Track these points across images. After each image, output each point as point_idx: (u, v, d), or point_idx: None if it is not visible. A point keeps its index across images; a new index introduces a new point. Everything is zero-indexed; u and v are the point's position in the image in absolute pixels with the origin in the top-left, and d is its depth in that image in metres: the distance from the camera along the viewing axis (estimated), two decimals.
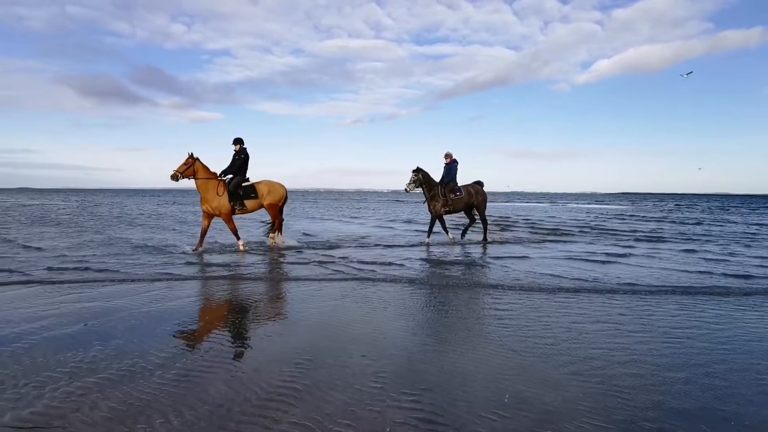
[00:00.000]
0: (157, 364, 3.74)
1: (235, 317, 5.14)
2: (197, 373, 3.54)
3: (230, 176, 10.28)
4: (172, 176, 9.80)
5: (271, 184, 10.71)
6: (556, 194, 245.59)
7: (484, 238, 12.21)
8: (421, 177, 11.62)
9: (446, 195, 11.61)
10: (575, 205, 48.78)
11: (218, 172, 10.22)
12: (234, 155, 10.35)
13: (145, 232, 14.76)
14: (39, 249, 10.29)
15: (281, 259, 9.16)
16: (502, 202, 58.26)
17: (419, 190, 11.69)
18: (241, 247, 10.15)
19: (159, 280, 7.06)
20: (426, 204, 11.83)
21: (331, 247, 11.02)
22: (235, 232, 10.33)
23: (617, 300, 6.02)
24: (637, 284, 6.95)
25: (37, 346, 4.13)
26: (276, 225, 10.88)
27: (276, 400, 3.11)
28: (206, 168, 10.12)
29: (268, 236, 11.07)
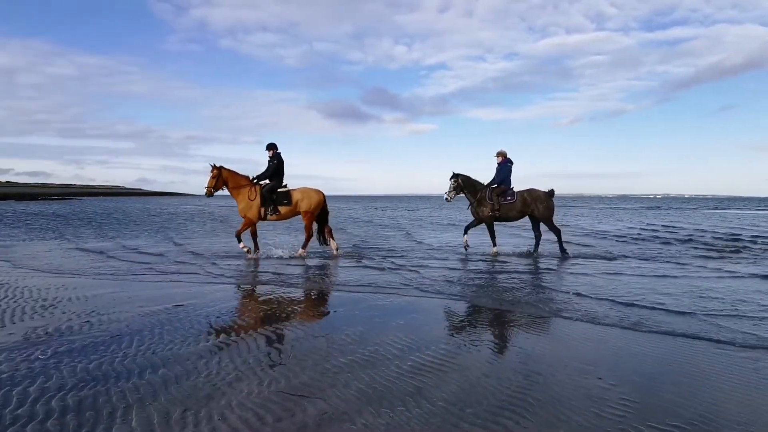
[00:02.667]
0: (395, 354, 4.07)
1: (464, 322, 5.27)
2: (430, 369, 3.73)
3: (266, 181, 10.17)
4: (206, 193, 9.89)
5: (305, 191, 10.34)
6: None
7: (561, 249, 10.52)
8: (460, 182, 10.84)
9: (494, 199, 10.55)
10: None
11: (251, 177, 10.18)
12: (269, 161, 10.21)
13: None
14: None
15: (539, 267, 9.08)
16: (755, 209, 44.89)
17: (461, 196, 10.94)
18: (249, 254, 9.96)
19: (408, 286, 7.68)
20: (469, 209, 10.94)
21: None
22: (254, 238, 10.32)
23: None
24: None
25: (305, 324, 4.92)
26: (327, 233, 10.54)
27: (507, 409, 3.07)
28: (234, 174, 10.10)
29: (322, 245, 10.77)
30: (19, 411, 2.99)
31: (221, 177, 9.90)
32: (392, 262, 9.34)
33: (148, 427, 2.79)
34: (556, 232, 10.67)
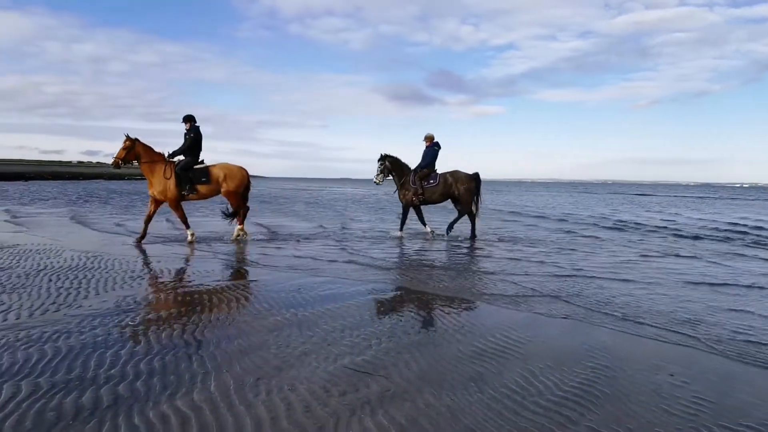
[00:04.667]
0: (455, 338, 4.10)
1: (523, 311, 5.20)
2: (491, 356, 3.73)
3: (180, 158, 9.30)
4: (113, 164, 9.13)
5: (228, 168, 9.47)
6: None
7: (473, 235, 10.52)
8: (388, 164, 10.70)
9: (417, 183, 10.40)
10: None
11: (166, 153, 9.29)
12: (185, 134, 9.32)
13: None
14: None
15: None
16: None
17: (390, 179, 10.79)
18: (190, 238, 9.22)
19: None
20: (396, 194, 10.84)
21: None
22: (183, 221, 9.40)
23: None
24: None
25: (365, 305, 5.06)
26: (240, 215, 9.65)
27: (571, 400, 3.03)
28: (149, 149, 9.22)
29: (234, 229, 9.76)
30: (112, 371, 3.31)
31: (134, 149, 9.07)
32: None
33: (225, 393, 3.00)
34: (471, 216, 10.63)
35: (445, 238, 10.46)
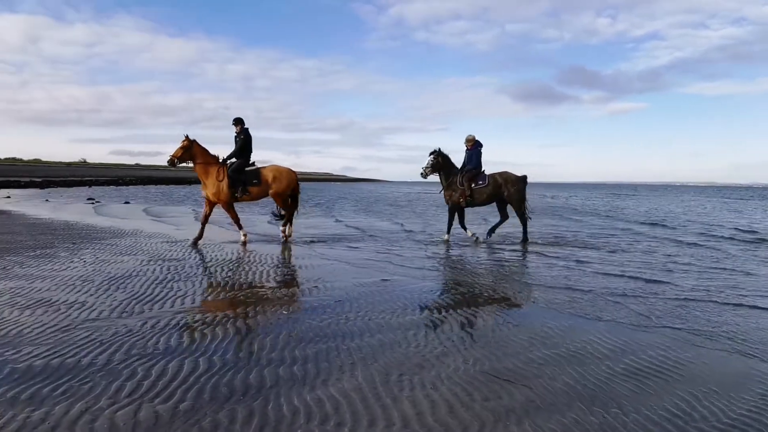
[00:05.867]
0: (603, 353, 3.84)
1: (683, 331, 4.69)
2: (647, 375, 3.43)
3: (232, 160, 9.43)
4: (168, 161, 9.28)
5: (278, 170, 9.61)
6: None
7: (524, 239, 10.22)
8: (440, 161, 10.38)
9: (465, 184, 10.16)
10: None
11: (220, 156, 9.42)
12: (235, 137, 9.45)
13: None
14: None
15: None
16: None
17: (437, 176, 10.49)
18: (243, 239, 9.37)
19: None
20: (442, 193, 10.51)
21: None
22: (236, 222, 9.55)
23: None
24: None
25: (498, 312, 4.97)
26: (287, 216, 9.78)
27: (739, 428, 2.67)
28: (205, 151, 9.40)
29: (280, 228, 9.90)
30: (272, 355, 3.65)
31: (191, 150, 9.27)
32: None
33: (371, 384, 3.16)
34: (523, 219, 10.35)
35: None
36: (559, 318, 4.80)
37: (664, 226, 15.32)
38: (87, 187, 38.96)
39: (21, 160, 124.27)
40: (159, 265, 7.04)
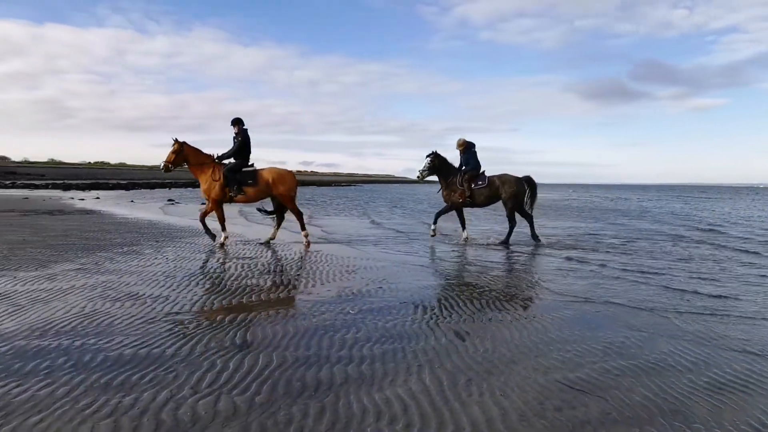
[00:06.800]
0: (686, 366, 3.61)
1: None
2: (732, 389, 3.20)
3: (231, 160, 9.37)
4: (162, 168, 9.27)
5: (277, 172, 9.53)
6: None
7: (504, 241, 10.20)
8: (437, 163, 10.53)
9: (465, 184, 10.29)
10: None
11: (214, 155, 9.40)
12: (233, 138, 9.39)
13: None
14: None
15: None
16: None
17: (434, 177, 10.69)
18: (222, 240, 9.13)
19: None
20: (440, 193, 10.69)
21: None
22: (221, 222, 9.36)
23: None
24: None
25: (571, 320, 4.79)
26: (282, 217, 9.88)
27: None
28: (197, 151, 9.35)
29: (301, 233, 9.65)
30: (341, 353, 3.74)
31: (182, 153, 9.19)
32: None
33: (439, 387, 3.15)
34: (528, 218, 10.41)
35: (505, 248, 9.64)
36: (636, 329, 4.56)
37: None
38: (167, 189, 41.54)
39: (108, 164, 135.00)
40: (233, 262, 7.39)
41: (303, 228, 9.70)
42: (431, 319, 4.68)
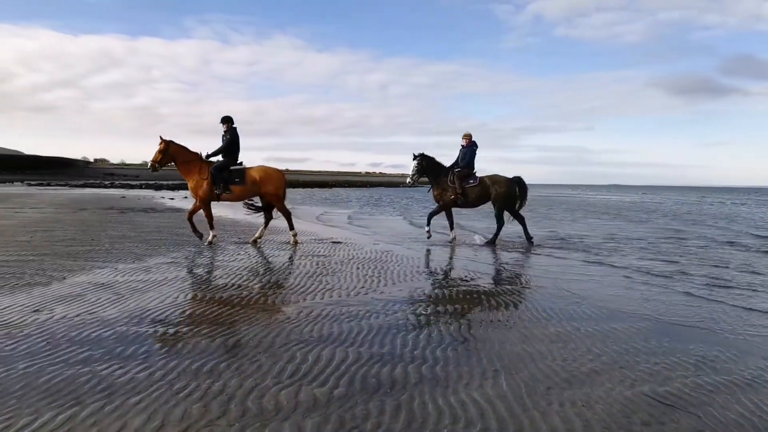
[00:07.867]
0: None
1: None
2: None
3: (219, 158, 9.29)
4: (150, 167, 9.26)
5: (265, 171, 9.47)
6: None
7: (492, 240, 10.18)
8: (425, 164, 10.40)
9: (456, 182, 10.14)
10: None
11: (203, 153, 9.30)
12: (222, 136, 9.36)
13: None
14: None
15: None
16: None
17: (425, 179, 10.60)
18: (210, 239, 9.13)
19: None
20: (431, 192, 10.57)
21: None
22: (209, 221, 9.27)
23: None
24: None
25: (656, 330, 4.51)
26: (270, 216, 9.89)
27: None
28: (184, 149, 9.24)
29: (290, 233, 9.71)
30: (415, 352, 3.75)
31: (168, 152, 9.05)
32: None
33: (517, 394, 3.08)
34: (520, 219, 10.41)
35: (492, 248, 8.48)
36: (731, 342, 4.21)
37: None
38: None
39: None
40: (309, 260, 7.65)
41: (291, 227, 9.72)
42: (506, 323, 4.58)
